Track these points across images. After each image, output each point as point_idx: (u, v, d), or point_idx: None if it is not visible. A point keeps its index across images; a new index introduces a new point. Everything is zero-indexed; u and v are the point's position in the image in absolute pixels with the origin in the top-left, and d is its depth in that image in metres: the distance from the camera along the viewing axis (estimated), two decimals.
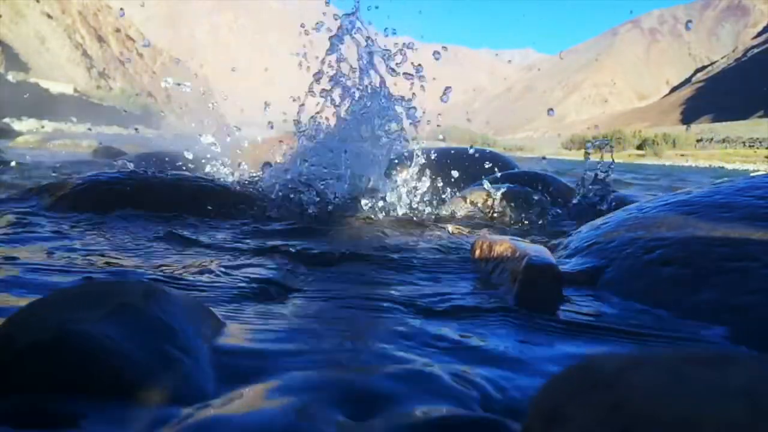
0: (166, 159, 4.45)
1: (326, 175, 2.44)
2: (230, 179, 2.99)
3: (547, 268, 1.11)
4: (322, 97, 2.65)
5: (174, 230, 1.85)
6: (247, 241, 1.78)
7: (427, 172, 2.68)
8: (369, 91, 2.64)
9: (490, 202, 2.64)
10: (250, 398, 0.64)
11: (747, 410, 0.33)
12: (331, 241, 1.85)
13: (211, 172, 3.24)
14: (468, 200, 2.69)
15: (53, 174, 3.62)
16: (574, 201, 2.81)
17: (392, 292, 1.22)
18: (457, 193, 2.83)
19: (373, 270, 1.43)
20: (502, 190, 2.64)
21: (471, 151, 3.68)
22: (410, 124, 2.70)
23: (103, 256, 1.46)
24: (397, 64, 2.65)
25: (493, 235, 1.92)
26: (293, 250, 1.57)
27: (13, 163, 4.51)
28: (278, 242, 1.71)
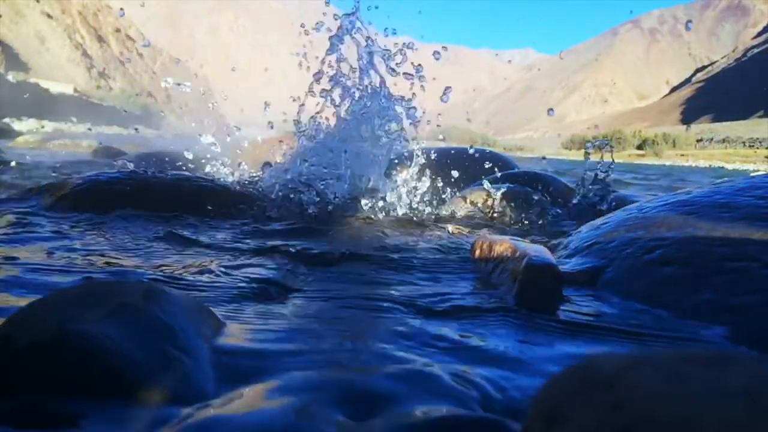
0: (166, 159, 4.45)
1: (326, 175, 2.44)
2: (230, 179, 2.99)
3: (547, 268, 1.11)
4: (322, 97, 2.65)
5: (174, 230, 1.85)
6: (247, 241, 1.78)
7: (427, 172, 2.68)
8: (369, 91, 2.64)
9: (490, 202, 2.64)
10: (250, 398, 0.64)
11: (747, 410, 0.33)
12: (331, 241, 1.85)
13: (211, 172, 3.24)
14: (468, 200, 2.69)
15: (53, 174, 3.62)
16: (574, 201, 2.81)
17: (392, 292, 1.22)
18: (457, 193, 2.83)
19: (373, 270, 1.43)
20: (502, 190, 2.64)
21: (471, 151, 3.68)
22: (410, 124, 2.70)
23: (103, 256, 1.46)
24: (397, 64, 2.65)
25: (493, 235, 1.92)
26: (293, 250, 1.57)
27: (13, 163, 4.51)
28: (278, 242, 1.71)
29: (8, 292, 1.06)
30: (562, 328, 0.98)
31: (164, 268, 1.36)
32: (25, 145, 9.98)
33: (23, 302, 0.70)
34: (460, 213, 2.62)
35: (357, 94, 2.65)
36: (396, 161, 2.72)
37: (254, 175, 3.08)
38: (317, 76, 2.61)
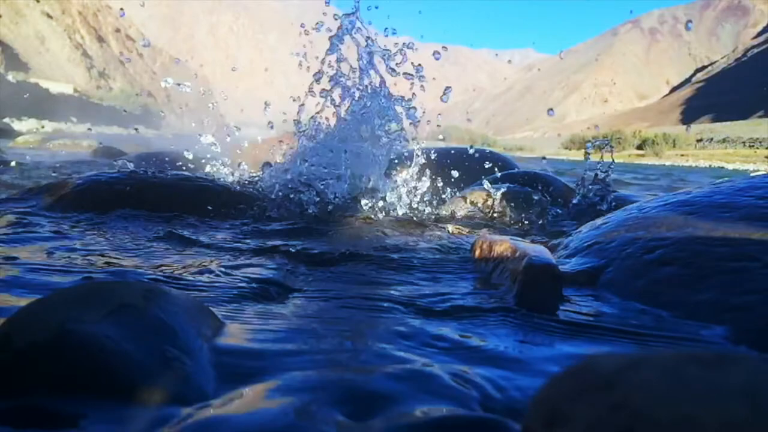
0: (166, 159, 4.46)
1: (326, 175, 2.44)
2: (230, 179, 2.99)
3: (547, 268, 1.11)
4: (322, 97, 2.65)
5: (174, 230, 1.85)
6: (247, 241, 1.78)
7: (427, 172, 2.68)
8: (369, 91, 2.64)
9: (490, 202, 2.64)
10: (250, 398, 0.64)
11: (747, 410, 0.33)
12: (331, 240, 1.85)
13: (211, 172, 3.24)
14: (468, 200, 2.69)
15: (53, 174, 3.63)
16: (574, 201, 2.81)
17: (392, 292, 1.22)
18: (457, 193, 2.83)
19: (373, 270, 1.43)
20: (502, 190, 2.64)
21: (471, 151, 3.68)
22: (410, 124, 2.70)
23: (103, 256, 1.46)
24: (397, 64, 2.65)
25: (493, 235, 1.92)
26: (293, 250, 1.57)
27: (13, 163, 4.51)
28: (278, 242, 1.71)
29: (8, 292, 1.06)
30: (562, 328, 0.99)
31: (164, 268, 1.36)
32: (25, 145, 9.99)
33: (23, 302, 0.70)
34: (460, 213, 2.62)
35: (357, 95, 2.65)
36: (396, 161, 2.72)
37: (254, 175, 3.08)
38: (317, 77, 2.62)
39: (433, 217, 2.49)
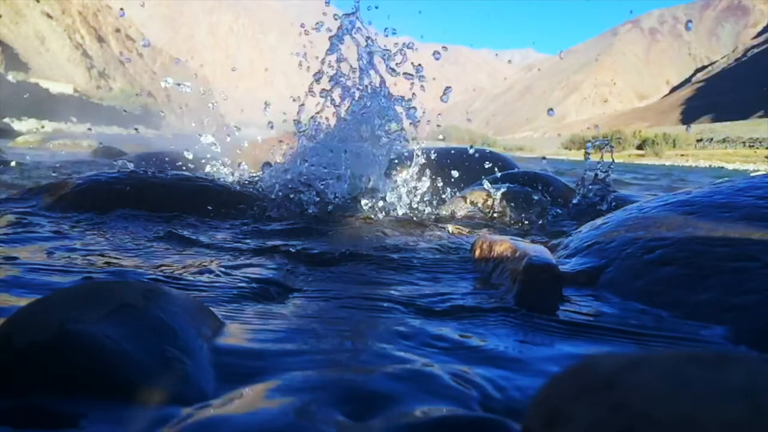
0: (166, 159, 4.46)
1: (326, 175, 2.44)
2: (230, 179, 3.00)
3: (547, 268, 1.11)
4: (322, 97, 2.65)
5: (174, 230, 1.85)
6: (247, 241, 1.78)
7: (427, 172, 2.68)
8: (369, 91, 2.64)
9: (490, 202, 2.64)
10: (250, 398, 0.64)
11: (747, 410, 0.33)
12: (331, 241, 1.85)
13: (211, 172, 3.24)
14: (468, 200, 2.69)
15: (53, 174, 3.63)
16: (574, 201, 2.82)
17: (392, 292, 1.22)
18: (457, 193, 2.83)
19: (373, 270, 1.43)
20: (502, 190, 2.64)
21: (471, 151, 3.68)
22: (410, 124, 2.70)
23: (103, 256, 1.46)
24: (397, 64, 2.65)
25: (493, 235, 1.92)
26: (293, 250, 1.57)
27: (13, 163, 4.51)
28: (278, 242, 1.71)
29: (8, 292, 1.06)
30: (562, 328, 0.99)
31: (164, 268, 1.36)
32: (25, 145, 9.98)
33: (23, 302, 0.70)
34: (460, 213, 2.62)
35: (357, 95, 2.65)
36: (396, 161, 2.73)
37: (254, 175, 3.08)
38: (317, 76, 2.62)
39: (433, 217, 2.49)
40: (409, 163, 2.71)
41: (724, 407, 0.33)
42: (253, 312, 1.03)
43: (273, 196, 2.47)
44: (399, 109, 2.67)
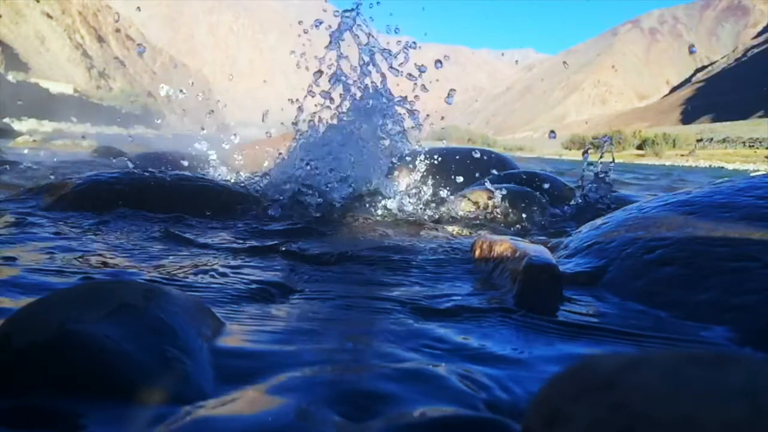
0: (166, 159, 4.46)
1: (326, 175, 2.44)
2: (230, 179, 3.00)
3: (547, 268, 1.11)
4: (322, 97, 2.65)
5: (174, 230, 1.85)
6: (247, 241, 1.78)
7: (428, 172, 2.68)
8: (370, 90, 2.64)
9: (490, 202, 2.64)
10: (250, 398, 0.64)
11: (747, 410, 0.33)
12: (332, 241, 1.85)
13: (210, 172, 3.24)
14: (468, 200, 2.69)
15: (52, 175, 3.62)
16: (574, 201, 2.82)
17: (392, 292, 1.22)
18: (458, 193, 2.84)
19: (374, 270, 1.43)
20: (503, 190, 2.64)
21: (477, 155, 3.67)
22: (412, 127, 2.70)
23: (103, 256, 1.46)
24: (400, 64, 2.65)
25: (493, 235, 1.92)
26: (293, 251, 1.57)
27: (12, 163, 4.51)
28: (278, 242, 1.71)
29: (8, 292, 1.06)
30: (562, 329, 0.98)
31: (164, 268, 1.36)
32: (25, 145, 9.97)
33: (23, 302, 0.70)
34: (461, 213, 2.62)
35: (358, 94, 2.65)
36: (397, 161, 2.73)
37: (254, 175, 3.08)
38: (317, 76, 2.61)
39: (434, 217, 2.49)
40: (409, 163, 2.71)
41: (724, 407, 0.33)
42: (254, 312, 1.03)
43: (273, 197, 2.47)
44: (400, 110, 2.67)
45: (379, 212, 2.39)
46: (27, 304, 0.68)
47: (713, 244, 1.18)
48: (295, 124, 2.68)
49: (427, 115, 2.72)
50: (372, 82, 2.64)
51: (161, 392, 0.62)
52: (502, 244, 1.32)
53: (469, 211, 2.63)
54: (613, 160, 2.87)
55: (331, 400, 0.63)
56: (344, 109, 2.65)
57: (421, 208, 2.57)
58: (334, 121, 2.66)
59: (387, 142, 2.64)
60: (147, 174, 2.47)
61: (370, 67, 2.64)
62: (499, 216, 2.58)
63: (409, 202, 2.58)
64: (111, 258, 1.45)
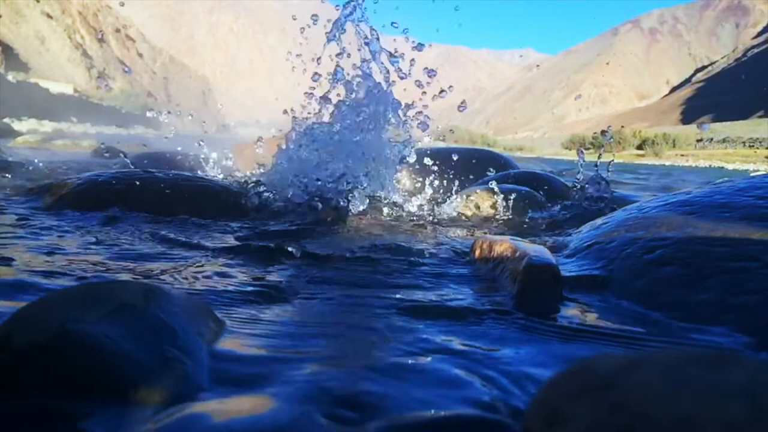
0: (166, 159, 4.45)
1: (326, 176, 2.44)
2: (230, 179, 3.00)
3: (547, 268, 1.11)
4: (322, 98, 2.64)
5: (174, 230, 1.86)
6: (247, 241, 1.78)
7: (428, 172, 2.68)
8: (372, 90, 2.64)
9: (490, 202, 2.64)
10: (250, 399, 0.64)
11: (747, 410, 0.33)
12: (331, 241, 1.85)
13: (210, 172, 3.24)
14: (468, 200, 2.69)
15: (53, 174, 3.63)
16: (574, 201, 2.82)
17: (392, 293, 1.22)
18: (458, 193, 2.84)
19: (373, 271, 1.43)
20: (503, 190, 2.64)
21: (477, 155, 3.67)
22: (418, 124, 2.70)
23: (102, 256, 1.46)
24: (406, 68, 2.65)
25: (493, 235, 1.92)
26: (293, 251, 1.57)
27: (12, 163, 4.51)
28: (278, 243, 1.71)
29: (8, 292, 1.06)
30: (561, 329, 0.98)
31: (164, 267, 1.36)
32: (25, 145, 9.97)
33: (23, 302, 0.70)
34: (461, 213, 2.62)
35: (360, 93, 2.64)
36: (397, 161, 2.72)
37: (254, 175, 3.08)
38: (317, 75, 2.61)
39: (434, 217, 2.49)
40: (410, 163, 2.71)
41: (724, 407, 0.33)
42: (253, 313, 1.03)
43: (273, 197, 2.47)
44: (401, 113, 2.67)
45: (379, 212, 2.39)
46: (27, 304, 0.68)
47: (713, 244, 1.18)
48: (296, 122, 2.68)
49: (431, 119, 2.72)
50: (375, 81, 2.64)
51: (161, 392, 0.62)
52: (502, 244, 1.32)
53: (470, 211, 2.63)
54: (614, 157, 2.87)
55: (331, 401, 0.63)
56: (344, 109, 2.64)
57: (421, 208, 2.57)
58: (335, 121, 2.65)
59: (386, 140, 2.64)
60: (147, 174, 2.47)
61: (372, 65, 2.63)
62: (499, 216, 2.58)
63: (409, 201, 2.58)
64: (110, 258, 1.45)
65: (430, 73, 2.65)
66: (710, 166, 38.39)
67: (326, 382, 0.68)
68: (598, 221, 1.68)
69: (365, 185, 2.49)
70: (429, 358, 0.81)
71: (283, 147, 2.66)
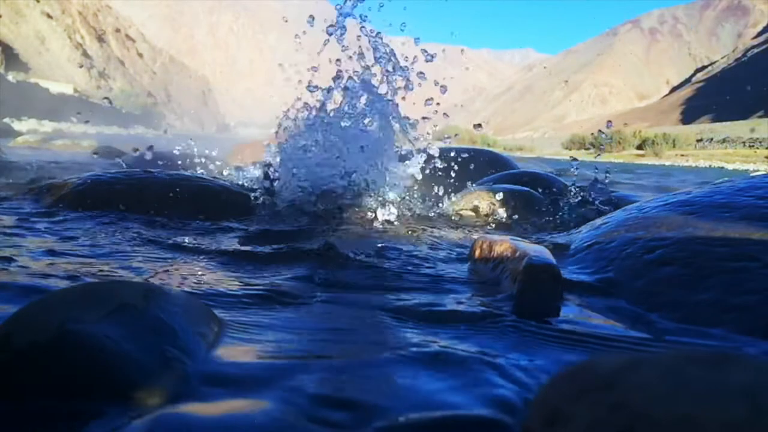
0: (166, 159, 4.45)
1: (326, 176, 2.44)
2: (229, 179, 3.00)
3: (547, 268, 1.11)
4: (322, 97, 2.64)
5: (173, 230, 1.86)
6: (246, 241, 1.78)
7: (429, 172, 2.68)
8: (374, 90, 2.63)
9: (490, 203, 2.64)
10: (249, 400, 0.64)
11: (747, 410, 0.33)
12: (331, 242, 1.84)
13: (209, 172, 3.24)
14: (468, 200, 2.69)
15: (53, 174, 3.62)
16: (574, 201, 2.81)
17: (391, 293, 1.22)
18: (458, 193, 2.83)
19: (373, 271, 1.42)
20: (503, 190, 2.64)
21: (477, 155, 3.67)
22: (423, 118, 2.70)
23: (102, 256, 1.46)
24: (411, 63, 2.65)
25: (493, 235, 1.92)
26: (293, 251, 1.57)
27: (12, 163, 4.51)
28: (277, 243, 1.71)
29: (8, 292, 1.06)
30: (561, 329, 0.98)
31: (164, 268, 1.36)
32: (25, 144, 9.98)
33: (22, 302, 0.70)
34: (461, 213, 2.62)
35: (361, 92, 2.64)
36: (398, 161, 2.72)
37: (253, 175, 3.08)
38: (314, 69, 2.61)
39: (434, 217, 2.49)
40: (410, 163, 2.71)
41: (724, 407, 0.33)
42: (253, 313, 1.03)
43: (273, 197, 2.47)
44: (402, 108, 2.66)
45: (379, 212, 2.39)
46: (27, 304, 0.68)
47: (713, 244, 1.18)
48: (295, 121, 2.67)
49: (435, 120, 2.72)
50: (377, 80, 2.63)
51: (161, 392, 0.62)
52: (502, 245, 1.32)
53: (469, 212, 2.63)
54: (616, 156, 2.86)
55: (330, 402, 0.63)
56: (347, 108, 2.64)
57: (421, 209, 2.57)
58: (335, 121, 2.65)
59: (387, 140, 2.64)
60: (147, 174, 2.47)
61: (374, 68, 2.63)
62: (499, 216, 2.58)
63: (410, 202, 2.58)
64: (110, 258, 1.45)
65: (442, 89, 2.65)
66: (710, 166, 38.40)
67: (327, 383, 0.68)
68: (598, 221, 1.68)
69: (365, 185, 2.49)
70: (428, 359, 0.81)
71: (283, 147, 2.65)
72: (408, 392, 0.66)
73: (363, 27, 2.60)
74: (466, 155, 3.64)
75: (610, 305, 1.15)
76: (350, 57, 2.63)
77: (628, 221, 1.48)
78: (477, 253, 1.47)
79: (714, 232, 1.23)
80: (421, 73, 2.66)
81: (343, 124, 2.60)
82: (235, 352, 0.79)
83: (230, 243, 1.74)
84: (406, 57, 2.66)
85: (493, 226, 2.43)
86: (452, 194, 2.89)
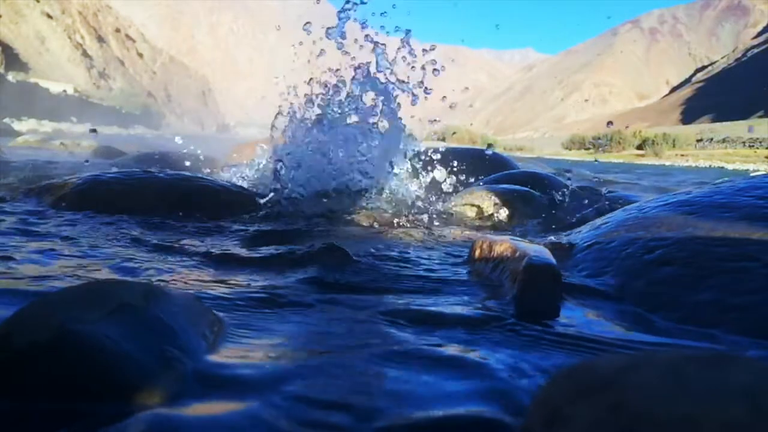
0: (166, 159, 4.46)
1: (326, 177, 2.44)
2: (229, 179, 3.00)
3: (547, 268, 1.11)
4: (323, 95, 2.64)
5: (173, 230, 1.86)
6: (247, 241, 1.78)
7: (428, 172, 2.68)
8: (374, 88, 2.64)
9: (490, 203, 2.64)
10: (249, 400, 0.64)
11: (747, 410, 0.33)
12: (331, 243, 1.84)
13: (210, 172, 3.24)
14: (468, 200, 2.69)
15: (53, 174, 3.62)
16: (574, 201, 2.81)
17: (391, 293, 1.22)
18: (458, 194, 2.83)
19: (373, 272, 1.42)
20: (503, 190, 2.64)
21: (477, 155, 3.67)
22: (431, 121, 2.70)
23: (102, 256, 1.46)
24: (410, 65, 2.65)
25: (493, 235, 1.92)
26: (292, 252, 1.57)
27: (12, 163, 4.51)
28: (277, 243, 1.71)
29: (8, 292, 1.06)
30: (561, 329, 0.98)
31: (164, 268, 1.36)
32: (25, 144, 9.98)
33: (22, 302, 0.70)
34: (461, 213, 2.62)
35: (359, 91, 2.64)
36: (398, 162, 2.72)
37: (253, 175, 3.08)
38: (315, 70, 2.61)
39: (434, 217, 2.49)
40: (410, 163, 2.71)
41: (724, 407, 0.33)
42: (254, 313, 1.03)
43: (273, 198, 2.47)
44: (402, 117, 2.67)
45: (379, 213, 2.39)
46: (27, 304, 0.68)
47: (713, 244, 1.18)
48: (294, 121, 2.68)
49: (434, 120, 2.72)
50: (376, 79, 2.63)
51: (161, 392, 0.62)
52: (502, 245, 1.32)
53: (469, 212, 2.63)
54: (616, 156, 2.86)
55: (330, 403, 0.63)
56: (346, 107, 2.64)
57: (421, 209, 2.57)
58: (336, 121, 2.65)
59: (387, 139, 2.64)
60: (146, 174, 2.47)
61: (373, 70, 2.63)
62: (498, 216, 2.58)
63: (410, 202, 2.57)
64: (110, 258, 1.45)
65: (451, 106, 2.65)
66: (710, 166, 38.41)
67: (326, 384, 0.68)
68: (598, 221, 1.68)
69: (365, 185, 2.49)
70: (428, 359, 0.81)
71: (283, 147, 2.65)
72: (408, 393, 0.66)
73: (367, 35, 2.60)
74: (466, 155, 3.64)
75: (610, 305, 1.15)
76: (353, 58, 2.64)
77: (628, 221, 1.48)
78: (477, 253, 1.47)
79: (714, 232, 1.23)
80: (428, 88, 2.66)
81: (349, 120, 2.60)
82: (236, 353, 0.79)
83: (230, 243, 1.74)
84: (413, 66, 2.66)
85: (493, 226, 2.43)
86: (452, 194, 2.89)
